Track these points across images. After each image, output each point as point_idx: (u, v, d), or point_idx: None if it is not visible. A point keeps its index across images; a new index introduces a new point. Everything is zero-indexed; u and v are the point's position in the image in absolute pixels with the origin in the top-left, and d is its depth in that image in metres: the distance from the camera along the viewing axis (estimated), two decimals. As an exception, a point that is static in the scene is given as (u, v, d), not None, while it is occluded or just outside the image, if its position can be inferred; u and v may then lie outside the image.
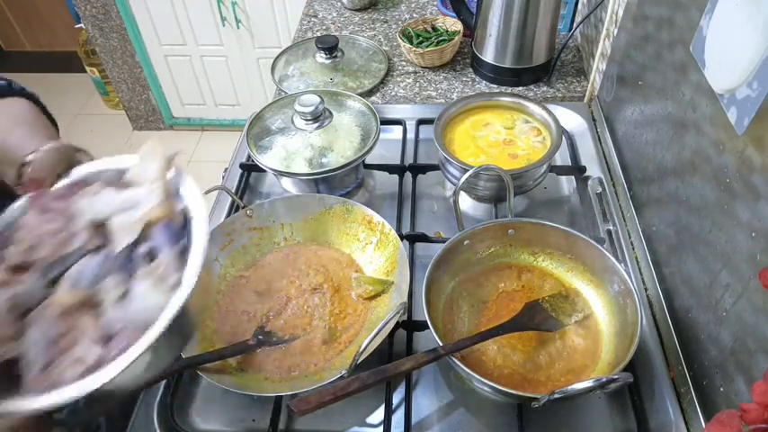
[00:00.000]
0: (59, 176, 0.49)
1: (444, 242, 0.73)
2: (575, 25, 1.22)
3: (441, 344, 0.63)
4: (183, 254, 0.45)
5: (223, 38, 2.42)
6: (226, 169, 1.02)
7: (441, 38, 1.21)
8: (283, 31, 2.35)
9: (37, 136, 0.61)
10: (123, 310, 0.44)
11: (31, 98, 0.70)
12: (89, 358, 0.41)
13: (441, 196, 0.95)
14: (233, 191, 0.94)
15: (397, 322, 0.72)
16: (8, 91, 0.68)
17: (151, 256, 0.45)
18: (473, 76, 1.20)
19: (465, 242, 0.75)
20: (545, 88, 1.15)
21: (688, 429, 0.64)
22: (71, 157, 0.51)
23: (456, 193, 0.78)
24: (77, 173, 0.51)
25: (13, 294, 0.44)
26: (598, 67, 1.06)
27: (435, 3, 1.42)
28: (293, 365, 0.70)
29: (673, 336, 0.70)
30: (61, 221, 0.48)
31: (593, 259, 0.72)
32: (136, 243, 0.45)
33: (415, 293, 0.77)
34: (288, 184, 0.94)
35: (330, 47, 1.18)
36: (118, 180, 0.50)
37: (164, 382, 0.70)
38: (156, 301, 0.43)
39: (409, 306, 0.76)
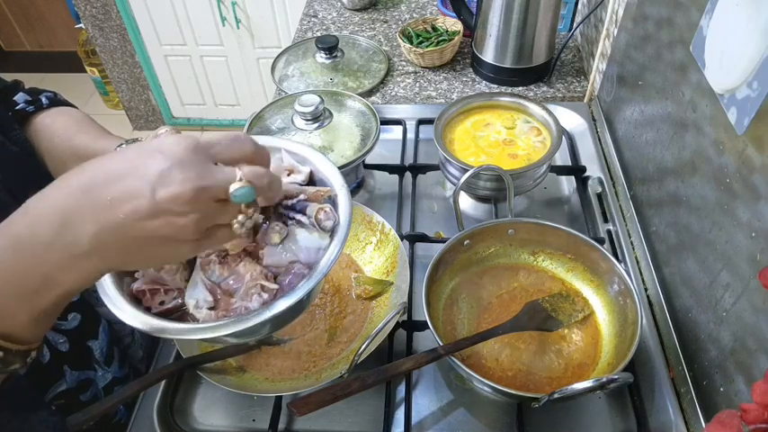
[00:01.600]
0: None
1: (444, 242, 0.73)
2: (575, 25, 1.22)
3: (441, 344, 0.63)
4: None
5: (223, 38, 2.42)
6: (226, 169, 1.02)
7: (441, 38, 1.21)
8: (283, 31, 2.35)
9: (103, 136, 0.69)
10: (284, 253, 0.49)
11: (74, 107, 0.77)
12: (266, 291, 0.47)
13: (441, 196, 0.95)
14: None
15: (397, 322, 0.72)
16: (56, 101, 0.74)
17: (297, 208, 0.51)
18: (473, 76, 1.20)
19: (465, 242, 0.75)
20: (545, 88, 1.15)
21: (688, 429, 0.64)
22: None
23: (456, 193, 0.78)
24: None
25: None
26: (598, 67, 1.06)
27: (435, 3, 1.42)
28: (293, 365, 0.70)
29: (673, 336, 0.70)
30: None
31: (593, 259, 0.72)
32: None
33: (415, 293, 0.77)
34: (288, 184, 0.93)
35: (330, 47, 1.18)
36: None
37: (164, 381, 0.70)
38: (317, 242, 0.49)
39: (409, 306, 0.76)
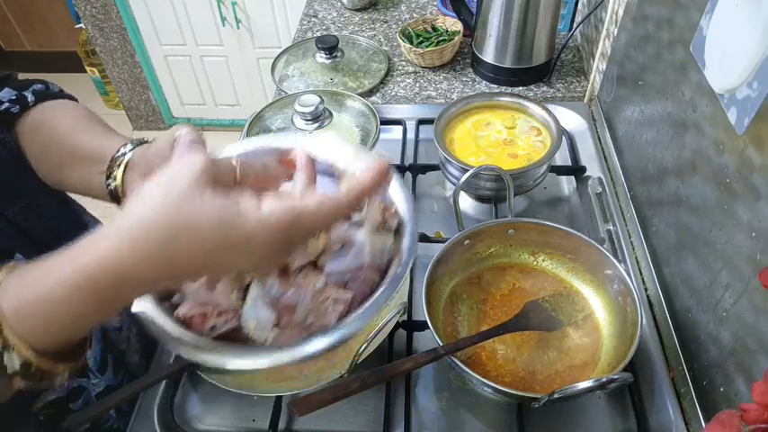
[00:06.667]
0: None
1: (444, 242, 0.73)
2: (575, 25, 1.22)
3: (441, 344, 0.62)
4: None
5: (223, 38, 2.42)
6: (226, 169, 1.01)
7: (441, 38, 1.21)
8: (283, 31, 2.35)
9: (104, 135, 0.62)
10: (347, 259, 0.44)
11: (73, 99, 0.69)
12: (340, 303, 0.42)
13: (441, 196, 0.95)
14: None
15: (397, 322, 0.71)
16: (46, 95, 0.66)
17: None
18: (473, 76, 1.20)
19: (465, 242, 0.74)
20: (545, 88, 1.15)
21: (688, 429, 0.64)
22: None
23: (456, 193, 0.78)
24: (230, 150, 0.52)
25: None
26: (598, 67, 1.06)
27: (435, 3, 1.42)
28: (293, 365, 0.70)
29: (673, 336, 0.70)
30: None
31: (593, 259, 0.72)
32: None
33: (415, 293, 0.77)
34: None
35: (330, 47, 1.18)
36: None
37: (164, 381, 0.70)
38: (381, 243, 0.45)
39: (409, 306, 0.76)
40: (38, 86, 0.66)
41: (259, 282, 0.43)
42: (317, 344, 0.40)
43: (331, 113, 0.92)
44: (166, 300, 0.44)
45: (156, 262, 0.36)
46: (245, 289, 0.44)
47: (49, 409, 0.63)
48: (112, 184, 0.58)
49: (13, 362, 0.38)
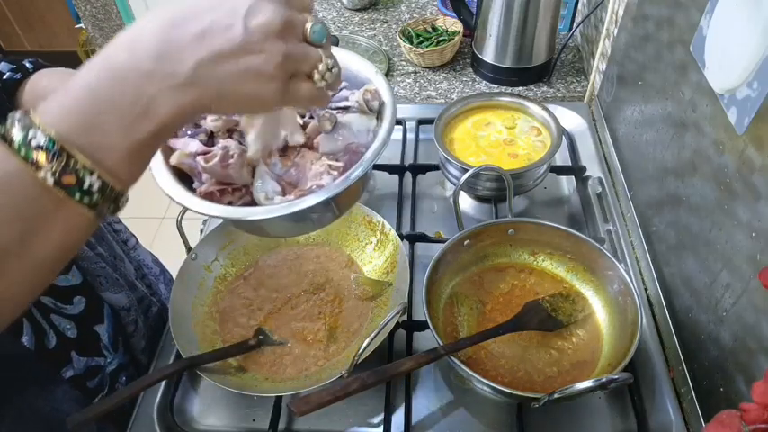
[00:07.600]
0: None
1: (444, 242, 0.73)
2: (575, 25, 1.22)
3: (441, 344, 0.62)
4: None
5: (223, 38, 2.42)
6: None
7: (441, 38, 1.21)
8: (283, 31, 2.35)
9: None
10: (338, 140, 0.52)
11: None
12: (334, 170, 0.50)
13: (441, 196, 0.95)
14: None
15: (397, 322, 0.71)
16: (40, 65, 0.69)
17: (340, 97, 0.54)
18: (473, 76, 1.20)
19: (465, 242, 0.74)
20: (545, 88, 1.15)
21: (688, 429, 0.64)
22: None
23: (456, 193, 0.78)
24: None
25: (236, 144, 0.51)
26: (598, 67, 1.06)
27: (435, 3, 1.42)
28: (293, 365, 0.70)
29: (673, 336, 0.70)
30: None
31: (594, 259, 0.72)
32: None
33: (415, 293, 0.77)
34: (288, 184, 0.94)
35: (330, 47, 1.18)
36: None
37: (164, 382, 0.70)
38: (366, 123, 0.52)
39: (409, 306, 0.76)
40: (32, 59, 0.69)
41: (264, 161, 0.50)
42: (320, 195, 0.47)
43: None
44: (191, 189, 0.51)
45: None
46: (254, 171, 0.51)
47: (69, 384, 0.64)
48: None
49: (93, 183, 0.37)
